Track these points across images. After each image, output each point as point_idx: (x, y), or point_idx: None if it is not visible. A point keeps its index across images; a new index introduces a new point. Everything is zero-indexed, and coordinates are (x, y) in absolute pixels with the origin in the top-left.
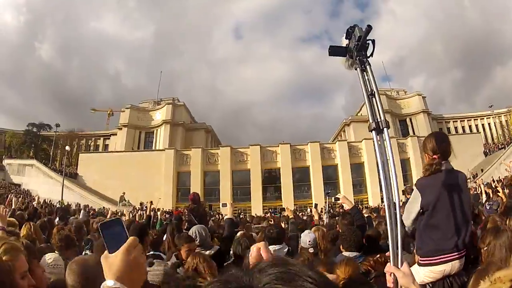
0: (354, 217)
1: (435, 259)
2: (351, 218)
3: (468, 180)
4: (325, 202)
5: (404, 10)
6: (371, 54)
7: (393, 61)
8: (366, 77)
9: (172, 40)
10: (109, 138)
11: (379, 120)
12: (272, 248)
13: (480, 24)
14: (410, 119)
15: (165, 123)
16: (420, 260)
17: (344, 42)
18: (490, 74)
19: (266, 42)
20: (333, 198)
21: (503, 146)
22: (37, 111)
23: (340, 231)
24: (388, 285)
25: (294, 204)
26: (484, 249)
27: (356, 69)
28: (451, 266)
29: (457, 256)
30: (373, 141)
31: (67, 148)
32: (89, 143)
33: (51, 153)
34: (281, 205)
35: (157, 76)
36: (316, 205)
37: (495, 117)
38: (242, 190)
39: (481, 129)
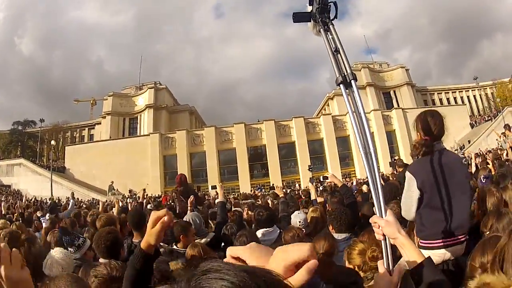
0: (344, 195)
1: (436, 243)
2: (341, 196)
3: (455, 151)
4: (311, 177)
5: None
6: (335, 16)
7: (378, 34)
8: (330, 36)
9: (154, 22)
10: (94, 128)
11: (345, 73)
12: (262, 231)
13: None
14: (394, 92)
15: (148, 108)
16: (421, 242)
17: (309, 9)
18: (476, 47)
19: (249, 19)
20: (321, 177)
21: (489, 118)
22: (22, 108)
23: (330, 210)
24: (376, 237)
25: (282, 180)
26: (487, 233)
27: (319, 32)
28: (452, 250)
29: (458, 240)
30: (343, 95)
31: (53, 142)
32: (75, 135)
33: (38, 150)
34: (269, 182)
35: (139, 60)
36: (312, 179)
37: (481, 89)
38: (229, 169)
39: (466, 101)
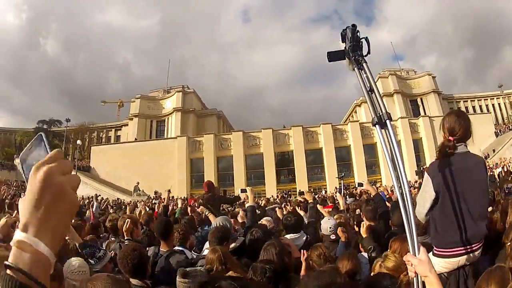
0: (377, 203)
1: (450, 251)
2: (375, 204)
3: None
4: (339, 184)
5: None
6: (368, 52)
7: (405, 40)
8: (364, 75)
9: (180, 27)
10: (120, 129)
11: (380, 113)
12: (290, 236)
13: (489, 3)
14: (421, 99)
15: (176, 111)
16: (435, 250)
17: (342, 46)
18: (499, 54)
19: (275, 25)
20: (356, 184)
21: None
22: (47, 109)
23: (365, 218)
24: (409, 274)
25: (309, 186)
26: (508, 244)
27: (353, 70)
28: (467, 258)
29: (474, 248)
30: (378, 134)
31: (79, 142)
32: (101, 136)
33: (63, 148)
34: (295, 188)
35: (166, 64)
36: (340, 188)
37: (505, 97)
38: (256, 174)
39: (491, 109)
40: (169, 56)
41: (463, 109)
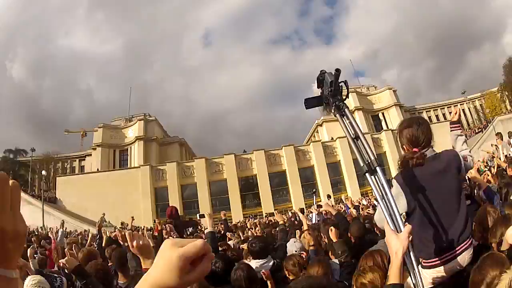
0: (340, 222)
1: (441, 260)
2: (334, 223)
3: None
4: (314, 203)
5: (373, 3)
6: (347, 95)
7: (366, 55)
8: (347, 121)
9: (142, 51)
10: (84, 159)
11: (369, 161)
12: (256, 262)
13: (451, 11)
14: (383, 113)
15: (138, 140)
16: (424, 262)
17: (316, 91)
18: (464, 59)
19: (237, 47)
20: (315, 204)
21: (480, 129)
22: (11, 136)
23: (326, 239)
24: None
25: (275, 209)
26: (496, 242)
27: (335, 115)
28: (460, 260)
29: (464, 248)
30: (370, 182)
31: (44, 172)
32: (66, 166)
33: (29, 179)
34: (261, 212)
35: (128, 90)
36: (302, 209)
37: (469, 102)
38: (221, 200)
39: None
40: (131, 81)
41: (426, 119)
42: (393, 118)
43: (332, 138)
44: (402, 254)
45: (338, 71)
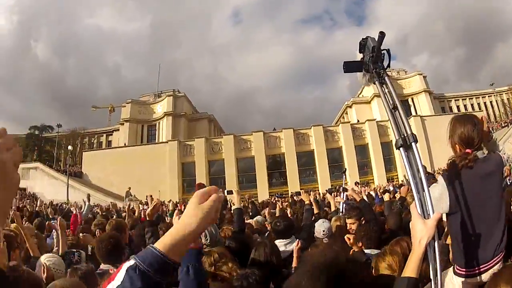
0: (363, 210)
1: (475, 270)
2: (360, 213)
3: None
4: (344, 183)
5: None
6: (388, 65)
7: (397, 39)
8: (386, 90)
9: (170, 29)
10: (111, 134)
11: (405, 135)
12: (279, 242)
13: (479, 2)
14: (412, 99)
15: (167, 115)
16: (458, 269)
17: (359, 56)
18: (492, 51)
19: (266, 26)
20: (340, 187)
21: (506, 124)
22: (38, 114)
23: (352, 228)
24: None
25: (301, 189)
26: None
27: (374, 83)
28: (491, 273)
29: (497, 260)
30: (402, 158)
31: (70, 147)
32: (92, 141)
33: (54, 154)
34: (287, 191)
35: (157, 67)
36: (331, 189)
37: (497, 95)
38: (248, 177)
39: (483, 108)
40: (160, 59)
41: (454, 108)
42: (422, 104)
43: (358, 121)
44: (426, 243)
45: (382, 34)
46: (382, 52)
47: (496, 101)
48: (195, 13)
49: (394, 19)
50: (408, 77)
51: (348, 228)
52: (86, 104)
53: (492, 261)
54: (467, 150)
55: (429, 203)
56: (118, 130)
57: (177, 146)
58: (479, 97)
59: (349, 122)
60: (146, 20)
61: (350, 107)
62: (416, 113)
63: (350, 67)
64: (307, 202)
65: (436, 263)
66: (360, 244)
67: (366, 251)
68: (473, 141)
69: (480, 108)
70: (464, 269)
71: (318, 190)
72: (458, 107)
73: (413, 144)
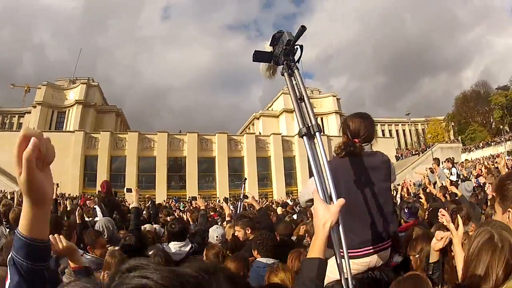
0: (260, 218)
1: (359, 251)
2: (249, 222)
3: None
4: (242, 192)
5: (340, 11)
6: (298, 60)
7: (319, 58)
8: (294, 81)
9: (101, 13)
10: (23, 116)
11: (310, 124)
12: (174, 244)
13: (417, 35)
14: (322, 118)
15: (78, 104)
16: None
17: (268, 49)
18: (416, 84)
19: (193, 26)
20: (241, 194)
21: (417, 152)
22: None
23: (239, 235)
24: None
25: (198, 194)
26: (416, 256)
27: (283, 75)
28: (377, 258)
29: (383, 247)
30: (305, 147)
31: None
32: (5, 121)
33: None
34: (185, 195)
35: (80, 50)
36: (245, 196)
37: (411, 124)
38: (148, 177)
39: (395, 134)
40: (85, 42)
41: None
42: (332, 125)
43: (260, 133)
44: (329, 227)
45: (303, 28)
46: (296, 46)
47: (410, 130)
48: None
49: (322, 38)
50: (321, 97)
51: (236, 235)
52: (7, 79)
53: (376, 246)
54: (354, 140)
55: (333, 189)
56: (30, 112)
57: (83, 137)
58: (391, 124)
59: (254, 133)
60: (81, 0)
61: (258, 118)
62: (324, 132)
63: (260, 56)
64: (202, 207)
65: (341, 247)
66: (256, 252)
67: (262, 260)
68: (360, 132)
69: (391, 135)
70: (350, 250)
71: (217, 197)
72: None
73: (317, 133)
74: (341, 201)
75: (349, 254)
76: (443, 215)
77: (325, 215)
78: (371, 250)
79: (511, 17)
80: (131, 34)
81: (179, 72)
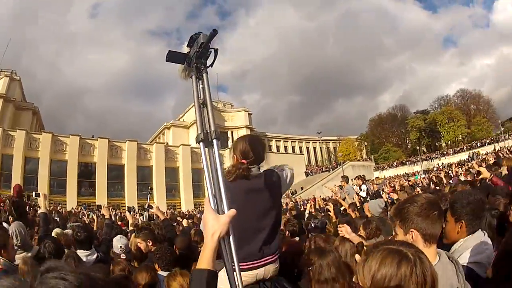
0: (165, 228)
1: (245, 265)
2: (150, 234)
3: (287, 198)
4: (148, 203)
5: (262, 28)
6: (211, 64)
7: (235, 73)
8: (200, 86)
9: (33, 3)
10: None
11: (208, 131)
12: (81, 253)
13: (337, 59)
14: (232, 133)
15: None
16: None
17: (186, 50)
18: (331, 104)
19: (118, 28)
20: (146, 205)
21: (327, 169)
22: None
23: (151, 248)
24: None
25: (108, 202)
26: (309, 269)
27: (191, 77)
28: (264, 271)
29: (269, 261)
30: (202, 153)
31: None
32: None
33: None
34: (95, 202)
35: (7, 41)
36: (149, 206)
37: (323, 142)
38: (59, 182)
39: (305, 151)
40: (14, 32)
41: (274, 147)
42: None
43: (168, 143)
44: (218, 238)
45: (214, 31)
46: (210, 50)
47: (321, 148)
48: None
49: (241, 54)
50: (233, 111)
51: (139, 247)
52: None
53: (263, 260)
54: (243, 161)
55: (224, 200)
56: None
57: (1, 134)
58: (302, 142)
59: (163, 143)
60: None
61: (169, 128)
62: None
63: (173, 57)
64: (107, 216)
65: (232, 259)
66: (157, 265)
67: (162, 273)
68: (249, 154)
69: (301, 152)
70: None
71: (125, 206)
72: (278, 147)
73: (214, 141)
74: (232, 211)
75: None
76: (342, 227)
77: (214, 225)
78: (256, 264)
79: (441, 48)
80: (59, 28)
81: (97, 73)
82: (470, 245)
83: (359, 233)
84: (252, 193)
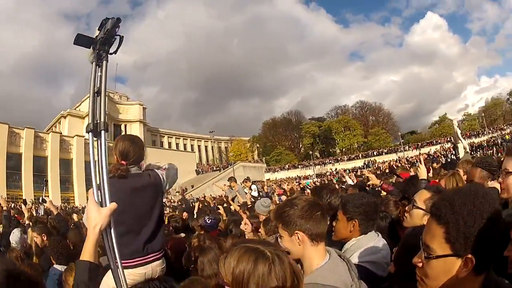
0: (59, 223)
1: (130, 262)
2: (45, 228)
3: (177, 193)
4: (44, 195)
5: (171, 22)
6: (115, 51)
7: (136, 64)
8: (98, 73)
9: None
10: None
11: (98, 121)
12: None
13: (239, 61)
14: (125, 126)
15: None
16: (122, 262)
17: (97, 33)
18: (227, 104)
19: (35, 6)
20: (40, 198)
21: (218, 168)
22: None
23: (47, 242)
24: None
25: (7, 194)
26: (192, 266)
27: (92, 63)
28: (152, 269)
29: (154, 258)
30: (89, 142)
31: None
32: None
33: None
34: None
35: None
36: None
37: (215, 142)
38: None
39: (196, 149)
40: None
41: (166, 143)
42: (134, 133)
43: (61, 133)
44: (100, 230)
45: (118, 20)
46: (115, 37)
47: (213, 147)
48: None
49: (146, 45)
50: (128, 104)
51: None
52: None
53: (149, 257)
54: (122, 162)
55: (107, 192)
56: None
57: None
58: (194, 140)
59: (59, 132)
60: None
61: (65, 117)
62: None
63: (81, 40)
64: (5, 208)
65: (114, 254)
66: (52, 259)
67: (57, 267)
68: (129, 155)
69: (193, 150)
70: (123, 261)
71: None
72: (170, 143)
73: (102, 132)
74: (113, 205)
75: (124, 264)
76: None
77: (96, 217)
78: (143, 261)
79: (346, 61)
80: None
81: (5, 53)
82: (363, 245)
83: (259, 230)
84: (135, 192)
